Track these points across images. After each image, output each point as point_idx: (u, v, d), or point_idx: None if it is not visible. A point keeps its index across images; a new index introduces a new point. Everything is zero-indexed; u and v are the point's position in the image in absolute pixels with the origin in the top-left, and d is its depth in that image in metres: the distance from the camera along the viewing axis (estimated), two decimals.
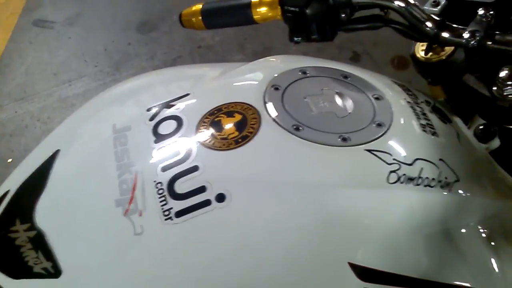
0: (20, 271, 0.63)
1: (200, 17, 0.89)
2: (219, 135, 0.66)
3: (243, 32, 2.81)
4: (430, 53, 0.87)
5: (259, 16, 0.84)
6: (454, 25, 0.73)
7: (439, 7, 0.86)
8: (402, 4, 0.75)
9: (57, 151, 0.73)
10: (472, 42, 0.69)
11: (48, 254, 0.62)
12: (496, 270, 0.70)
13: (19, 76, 2.70)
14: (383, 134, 0.67)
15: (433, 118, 0.74)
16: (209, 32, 2.82)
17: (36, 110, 2.51)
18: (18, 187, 0.72)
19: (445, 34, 0.73)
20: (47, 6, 3.16)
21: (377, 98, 0.73)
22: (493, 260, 0.70)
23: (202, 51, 2.82)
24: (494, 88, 0.71)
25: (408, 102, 0.74)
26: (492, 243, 0.71)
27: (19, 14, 3.10)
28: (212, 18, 0.90)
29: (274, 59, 0.85)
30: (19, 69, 2.74)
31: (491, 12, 0.71)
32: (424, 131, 0.70)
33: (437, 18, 0.74)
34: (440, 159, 0.68)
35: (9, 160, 2.25)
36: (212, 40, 2.83)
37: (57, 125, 0.84)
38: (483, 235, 0.70)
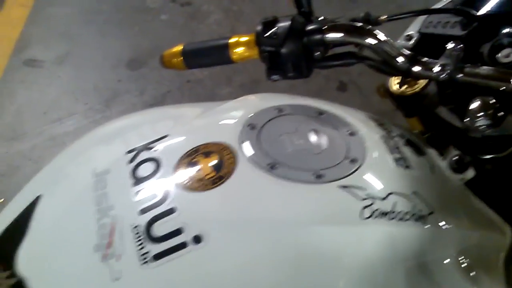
0: None
1: (181, 58, 0.91)
2: (196, 176, 0.67)
3: (230, 65, 2.84)
4: (405, 86, 0.89)
5: (237, 56, 0.86)
6: (425, 59, 0.75)
7: (412, 41, 0.89)
8: (374, 41, 0.77)
9: (39, 197, 0.74)
10: (442, 76, 0.71)
11: None
12: None
13: (9, 116, 2.71)
14: (356, 170, 0.69)
15: (407, 152, 0.76)
16: None
17: (27, 149, 2.51)
18: None
19: (417, 68, 0.75)
20: (37, 46, 3.19)
21: (351, 134, 0.74)
22: None
23: (191, 85, 2.84)
24: (466, 119, 0.73)
25: (382, 136, 0.76)
26: (472, 274, 0.72)
27: (9, 54, 3.12)
28: (192, 58, 0.92)
29: (251, 98, 0.86)
30: (9, 108, 2.74)
31: (461, 46, 0.73)
32: (397, 165, 0.71)
33: (408, 53, 0.76)
34: (414, 192, 0.69)
35: (1, 200, 2.24)
36: (200, 74, 2.86)
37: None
38: (463, 266, 0.71)
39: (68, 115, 2.68)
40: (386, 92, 0.93)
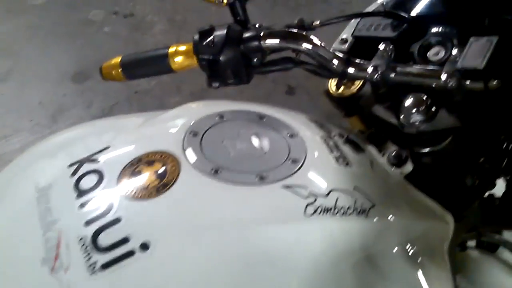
0: None
1: (120, 69, 0.92)
2: (140, 185, 0.67)
3: (179, 74, 2.83)
4: (342, 88, 0.91)
5: (177, 65, 0.87)
6: (359, 61, 0.78)
7: (346, 44, 0.91)
8: (309, 46, 0.79)
9: None
10: (375, 76, 0.74)
11: None
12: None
13: None
14: (298, 170, 0.70)
15: (346, 150, 0.78)
16: None
17: None
18: None
19: (351, 70, 0.78)
20: None
21: (291, 136, 0.76)
22: (421, 279, 0.73)
23: (139, 96, 2.83)
24: (401, 116, 0.76)
25: (322, 136, 0.78)
26: (419, 261, 0.74)
27: None
28: (132, 69, 0.92)
29: (193, 106, 0.88)
30: None
31: (391, 46, 0.76)
32: (337, 163, 0.74)
33: (342, 56, 0.79)
34: (355, 188, 0.71)
35: None
36: (148, 84, 2.85)
37: None
38: (409, 254, 0.74)
39: (14, 133, 2.63)
40: (325, 94, 0.95)
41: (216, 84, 0.86)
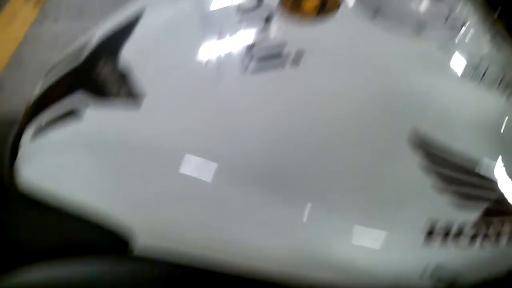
0: (104, 97, 0.69)
1: None
2: (299, 9, 0.70)
3: None
4: None
5: None
6: None
7: None
8: None
9: (144, 7, 0.78)
10: None
11: (131, 87, 0.68)
12: None
13: None
14: (455, 35, 0.71)
15: (499, 38, 0.77)
16: None
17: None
18: (104, 32, 0.78)
19: None
20: None
21: (452, 6, 0.76)
22: None
23: None
24: None
25: (480, 17, 0.78)
26: None
27: None
28: None
29: None
30: None
31: None
32: (491, 43, 0.73)
33: None
34: (503, 68, 0.71)
35: None
36: None
37: None
38: None
39: None
40: None
41: None
